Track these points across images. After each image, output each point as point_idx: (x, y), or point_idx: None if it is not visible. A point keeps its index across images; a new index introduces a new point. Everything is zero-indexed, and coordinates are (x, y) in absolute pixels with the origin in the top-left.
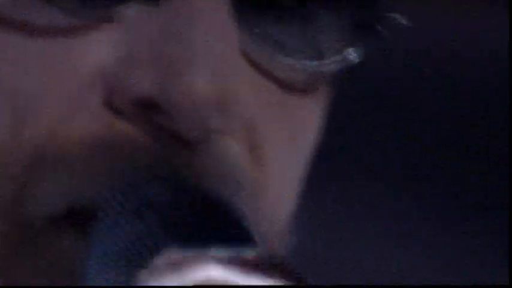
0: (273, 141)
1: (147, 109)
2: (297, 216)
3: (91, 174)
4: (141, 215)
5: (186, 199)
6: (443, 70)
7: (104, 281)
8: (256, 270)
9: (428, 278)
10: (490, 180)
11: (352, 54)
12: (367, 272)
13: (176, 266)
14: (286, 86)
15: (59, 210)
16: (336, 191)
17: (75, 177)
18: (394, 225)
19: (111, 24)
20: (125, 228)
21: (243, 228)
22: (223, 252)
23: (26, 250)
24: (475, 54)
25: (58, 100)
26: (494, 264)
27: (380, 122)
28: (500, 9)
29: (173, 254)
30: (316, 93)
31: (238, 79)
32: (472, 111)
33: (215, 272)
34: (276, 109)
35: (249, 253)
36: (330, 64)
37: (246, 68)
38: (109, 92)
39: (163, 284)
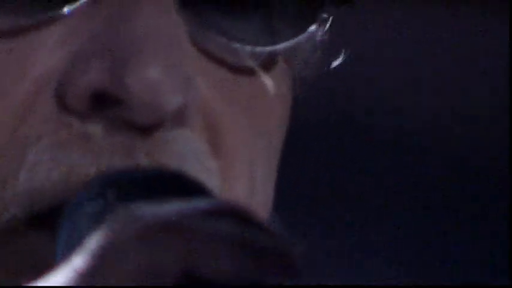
0: (231, 126)
1: (102, 103)
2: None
3: (53, 174)
4: (103, 195)
5: (145, 174)
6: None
7: None
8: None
9: (429, 278)
10: (491, 184)
11: (305, 38)
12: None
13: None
14: (239, 71)
15: (25, 212)
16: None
17: (37, 179)
18: (394, 224)
19: (54, 24)
20: (87, 210)
21: (203, 191)
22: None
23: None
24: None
25: (11, 104)
26: (494, 264)
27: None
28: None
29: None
30: (273, 76)
31: (189, 64)
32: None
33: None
34: (230, 94)
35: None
36: (284, 48)
37: (196, 54)
38: (61, 92)
39: None
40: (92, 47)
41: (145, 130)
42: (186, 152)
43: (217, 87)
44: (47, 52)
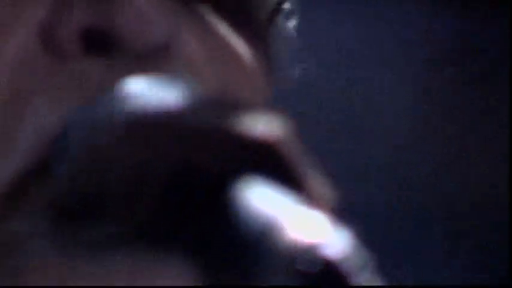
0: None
1: (92, 42)
2: None
3: (54, 120)
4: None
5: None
6: None
7: None
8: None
9: (429, 278)
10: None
11: None
12: None
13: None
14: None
15: (31, 163)
16: None
17: (39, 128)
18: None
19: None
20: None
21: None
22: None
23: None
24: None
25: (4, 62)
26: (494, 264)
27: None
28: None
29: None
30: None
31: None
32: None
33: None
34: (212, 45)
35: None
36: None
37: None
38: (49, 39)
39: None
40: None
41: (138, 60)
42: (184, 77)
43: (200, 32)
44: (24, 7)
